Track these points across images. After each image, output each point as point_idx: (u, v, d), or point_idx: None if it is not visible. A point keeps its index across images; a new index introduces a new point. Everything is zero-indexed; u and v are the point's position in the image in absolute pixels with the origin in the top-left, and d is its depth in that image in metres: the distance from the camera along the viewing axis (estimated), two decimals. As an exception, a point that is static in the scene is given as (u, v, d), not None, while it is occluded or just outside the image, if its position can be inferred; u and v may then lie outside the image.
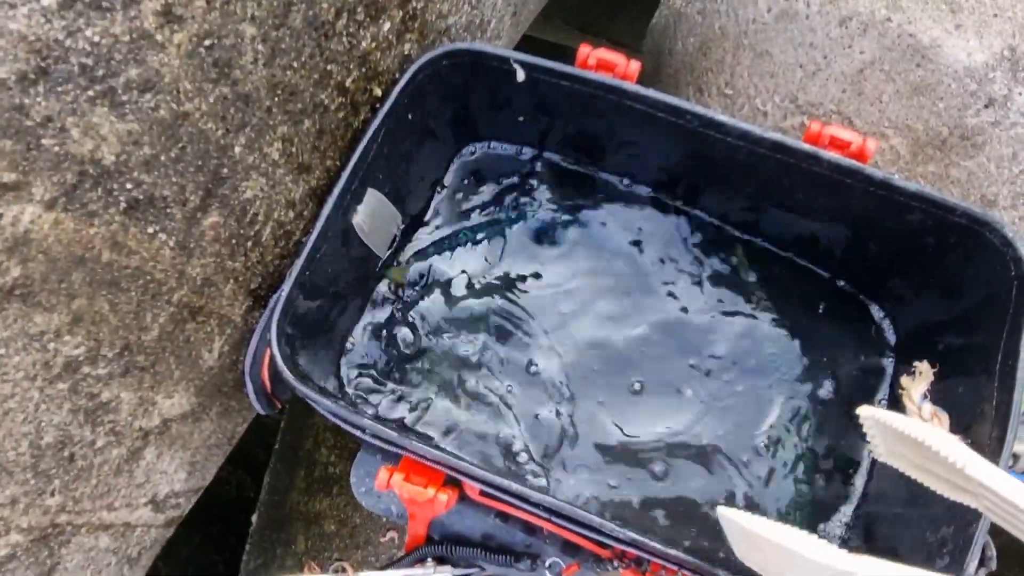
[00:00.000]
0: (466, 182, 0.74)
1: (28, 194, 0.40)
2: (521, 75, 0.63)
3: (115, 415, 0.50)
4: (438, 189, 0.73)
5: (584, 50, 0.62)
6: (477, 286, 0.71)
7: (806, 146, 0.58)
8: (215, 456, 0.67)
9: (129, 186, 0.44)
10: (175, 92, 0.45)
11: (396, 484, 0.52)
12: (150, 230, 0.47)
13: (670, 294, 0.70)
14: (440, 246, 0.72)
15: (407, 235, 0.70)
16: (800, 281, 0.71)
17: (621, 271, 0.71)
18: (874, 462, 0.63)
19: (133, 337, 0.49)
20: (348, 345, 0.67)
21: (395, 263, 0.70)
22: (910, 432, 0.41)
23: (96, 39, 0.40)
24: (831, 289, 0.70)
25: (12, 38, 0.38)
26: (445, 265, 0.72)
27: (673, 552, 0.48)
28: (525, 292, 0.71)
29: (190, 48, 0.45)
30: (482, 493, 0.56)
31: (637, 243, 0.72)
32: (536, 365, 0.67)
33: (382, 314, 0.69)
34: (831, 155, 0.57)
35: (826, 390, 0.67)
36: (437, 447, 0.53)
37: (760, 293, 0.71)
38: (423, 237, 0.72)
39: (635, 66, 0.61)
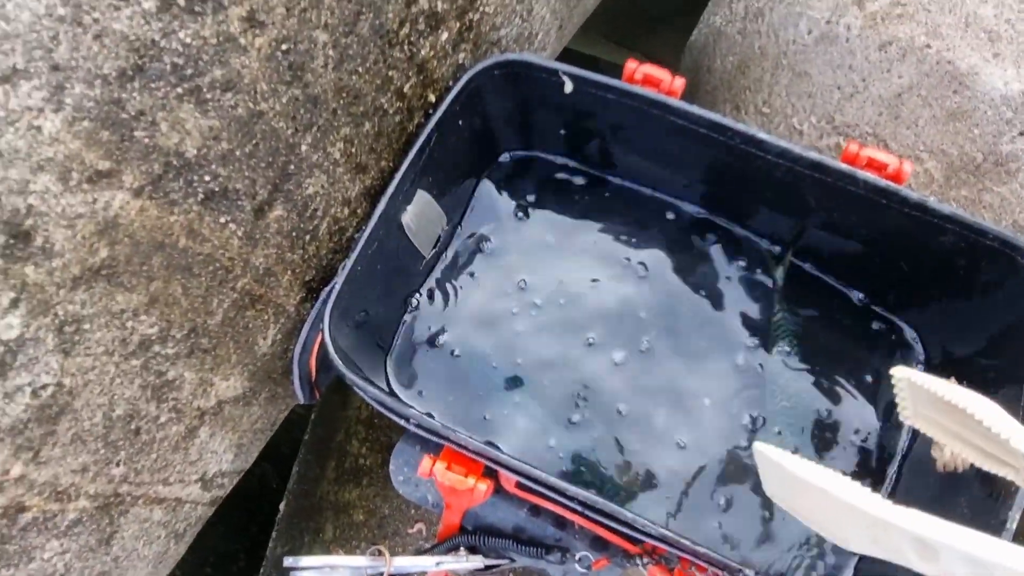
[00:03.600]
0: (506, 187, 0.77)
1: (119, 181, 0.43)
2: (569, 87, 0.65)
3: (178, 393, 0.53)
4: (480, 192, 0.75)
5: (631, 65, 0.65)
6: (512, 290, 0.73)
7: (843, 166, 0.60)
8: (258, 440, 0.69)
9: (207, 178, 0.47)
10: (253, 92, 0.48)
11: (438, 472, 0.55)
12: (222, 220, 0.50)
13: (702, 307, 0.72)
14: (478, 249, 0.75)
15: (449, 236, 0.73)
16: (830, 299, 0.73)
17: (653, 283, 0.73)
18: (900, 471, 0.64)
19: (200, 320, 0.52)
20: (392, 339, 0.70)
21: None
22: (951, 398, 0.41)
23: (187, 40, 0.43)
24: (860, 308, 0.72)
25: (115, 37, 0.41)
26: (482, 268, 0.74)
27: (703, 549, 0.50)
28: (560, 297, 0.73)
29: (269, 52, 0.48)
30: (518, 485, 0.58)
31: (669, 255, 0.74)
32: (574, 370, 0.70)
33: (423, 312, 0.71)
34: (868, 175, 0.59)
35: (854, 409, 0.69)
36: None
37: (790, 310, 0.73)
38: (462, 238, 0.75)
39: (680, 82, 0.64)
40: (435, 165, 0.65)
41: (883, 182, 0.59)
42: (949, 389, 0.42)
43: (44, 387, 0.44)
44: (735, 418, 0.68)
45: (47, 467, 0.46)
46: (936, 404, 0.43)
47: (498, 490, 0.60)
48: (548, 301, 0.72)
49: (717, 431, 0.67)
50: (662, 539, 0.51)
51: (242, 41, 0.46)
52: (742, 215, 0.73)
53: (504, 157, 0.77)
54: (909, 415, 0.45)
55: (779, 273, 0.74)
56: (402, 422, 0.57)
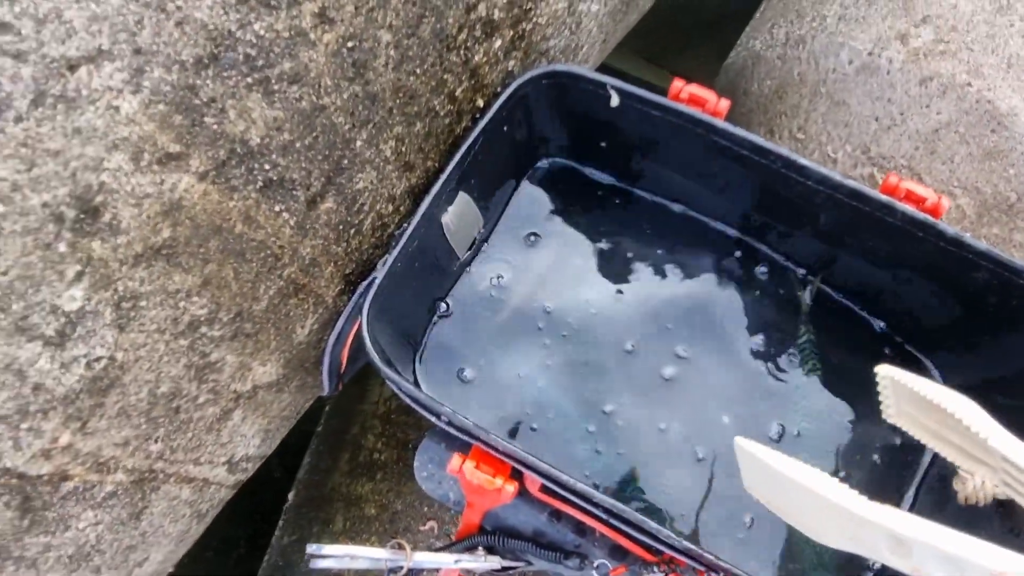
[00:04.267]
0: (542, 195, 0.78)
1: (187, 165, 0.44)
2: (616, 100, 0.66)
3: (218, 375, 0.54)
4: (517, 197, 0.77)
5: (678, 84, 0.66)
6: (543, 296, 0.74)
7: (883, 196, 0.61)
8: (283, 428, 0.70)
9: (267, 167, 0.49)
10: (317, 86, 0.49)
11: (467, 470, 0.55)
12: (277, 208, 0.51)
13: (727, 324, 0.73)
14: (511, 253, 0.76)
15: (484, 238, 0.74)
16: (853, 326, 0.73)
17: (681, 298, 0.74)
18: (917, 496, 0.65)
19: (246, 305, 0.53)
20: (422, 336, 0.71)
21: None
22: (932, 397, 0.42)
23: (261, 32, 0.45)
24: (881, 336, 0.73)
25: (195, 25, 0.42)
26: (511, 272, 0.75)
27: (726, 564, 0.51)
28: (590, 307, 0.74)
29: (335, 48, 0.49)
30: (542, 489, 0.59)
31: (699, 271, 0.75)
32: (597, 378, 0.71)
33: (454, 311, 0.72)
34: (906, 207, 0.60)
35: (872, 432, 0.70)
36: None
37: (814, 334, 0.74)
38: (496, 243, 0.75)
39: (725, 104, 0.65)
40: (478, 168, 0.66)
41: (921, 215, 0.60)
42: (931, 388, 0.43)
43: (98, 360, 0.45)
44: (757, 436, 0.68)
45: (92, 438, 0.47)
46: (918, 403, 0.43)
47: (521, 493, 0.60)
48: (573, 309, 0.73)
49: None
50: (685, 552, 0.52)
51: (312, 36, 0.47)
52: (775, 237, 0.74)
53: (543, 164, 0.78)
54: (892, 413, 0.46)
55: (806, 296, 0.75)
56: (433, 419, 0.57)
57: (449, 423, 0.57)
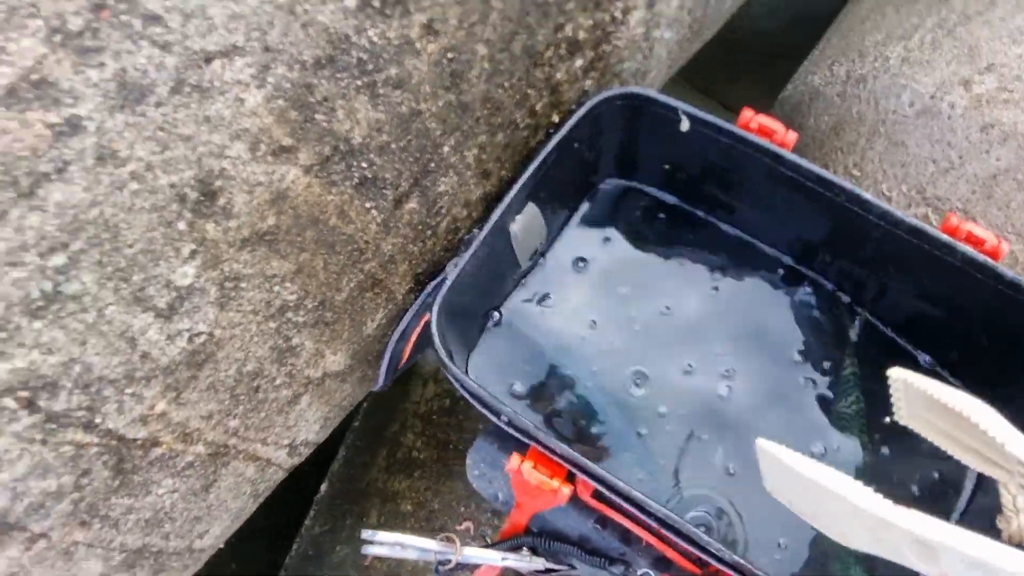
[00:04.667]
0: (601, 213, 0.80)
1: (296, 158, 0.47)
2: (686, 125, 0.69)
3: (296, 360, 0.57)
4: (579, 212, 0.79)
5: (747, 114, 0.68)
6: (591, 313, 0.76)
7: (944, 236, 0.62)
8: (339, 417, 0.73)
9: (364, 165, 0.51)
10: (417, 92, 0.52)
11: (525, 470, 0.57)
12: (367, 205, 0.53)
13: (776, 352, 0.75)
14: (564, 270, 0.78)
15: (545, 248, 0.76)
16: (898, 361, 0.74)
17: (732, 320, 0.76)
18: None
19: (329, 295, 0.55)
20: (477, 338, 0.73)
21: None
22: (946, 400, 0.41)
23: (374, 39, 0.48)
24: (930, 373, 0.74)
25: (317, 28, 0.45)
26: (563, 288, 0.77)
27: (773, 580, 0.52)
28: (634, 324, 0.75)
29: (437, 58, 0.52)
30: (594, 494, 0.61)
31: (751, 296, 0.76)
32: (646, 396, 0.72)
33: (510, 318, 0.75)
34: (967, 248, 0.61)
35: (912, 463, 0.71)
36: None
37: (859, 366, 0.75)
38: (552, 257, 0.78)
39: (792, 136, 0.67)
40: (547, 182, 0.69)
41: (981, 257, 0.61)
42: (945, 391, 0.42)
43: (199, 334, 0.47)
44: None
45: (184, 409, 0.49)
46: (932, 406, 0.43)
47: (572, 497, 0.62)
48: (623, 326, 0.75)
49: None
50: (733, 566, 0.53)
51: (418, 45, 0.50)
52: (828, 267, 0.75)
53: (606, 184, 0.81)
54: (904, 416, 0.46)
55: (855, 328, 0.76)
56: (494, 418, 0.59)
57: (509, 423, 0.59)
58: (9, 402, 0.40)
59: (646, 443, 0.70)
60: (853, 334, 0.76)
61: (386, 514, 0.94)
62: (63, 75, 0.37)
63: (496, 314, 0.75)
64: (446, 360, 0.59)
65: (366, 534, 0.61)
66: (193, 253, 0.45)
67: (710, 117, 0.67)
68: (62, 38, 0.37)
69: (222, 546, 0.71)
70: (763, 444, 0.46)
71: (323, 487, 1.08)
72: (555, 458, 0.58)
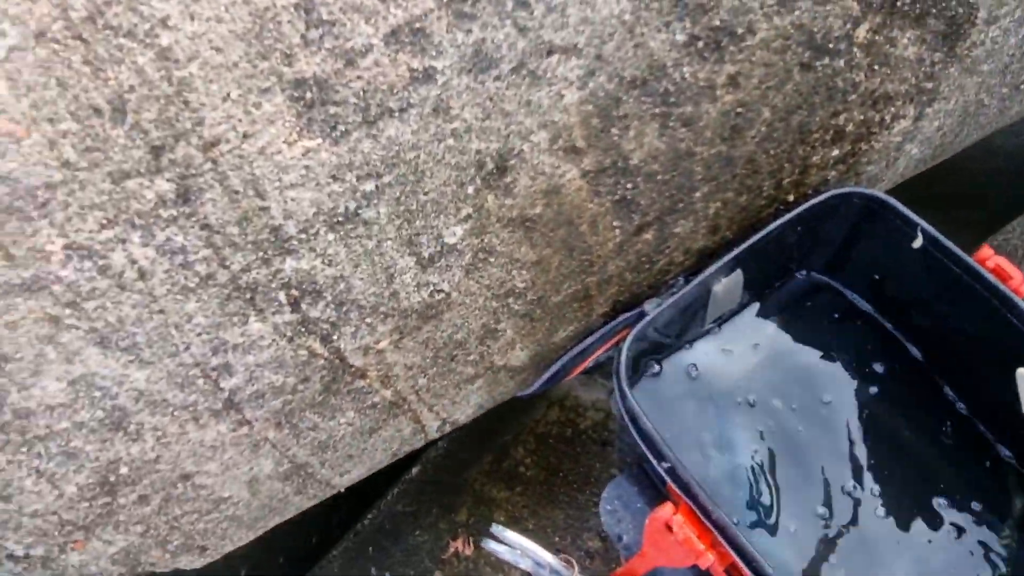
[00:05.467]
0: (788, 298, 0.79)
1: (580, 160, 0.50)
2: (919, 243, 0.67)
3: (492, 343, 0.59)
4: (769, 294, 0.78)
5: (987, 252, 0.66)
6: (747, 391, 0.75)
7: None
8: (487, 407, 0.74)
9: (629, 185, 0.53)
10: (699, 135, 0.53)
11: (676, 523, 0.57)
12: (615, 223, 0.55)
13: (928, 497, 0.71)
14: (736, 343, 0.77)
15: (731, 315, 0.76)
16: None
17: (884, 433, 0.73)
18: None
19: (547, 294, 0.57)
20: (639, 376, 0.73)
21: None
22: None
23: (686, 75, 0.50)
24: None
25: (645, 51, 0.48)
26: (734, 363, 0.76)
27: None
28: (802, 419, 0.74)
29: (728, 108, 0.53)
30: (728, 570, 0.59)
31: (912, 418, 0.74)
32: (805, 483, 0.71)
33: (668, 375, 0.75)
34: None
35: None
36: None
37: (1015, 544, 0.71)
38: (727, 328, 0.77)
39: (1030, 287, 0.64)
40: (761, 254, 0.69)
41: None
42: None
43: (439, 291, 0.50)
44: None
45: (397, 353, 0.52)
46: None
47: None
48: (776, 412, 0.74)
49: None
50: None
51: (718, 92, 0.52)
52: (1003, 429, 0.72)
53: (801, 273, 0.80)
54: None
55: (1020, 498, 0.72)
56: (655, 461, 0.59)
57: (670, 470, 0.58)
58: (282, 295, 0.44)
59: (779, 537, 0.68)
60: (1020, 504, 0.72)
61: (477, 516, 0.95)
62: (438, 30, 0.41)
63: (656, 365, 0.76)
64: (626, 388, 0.60)
65: (496, 529, 0.62)
66: (467, 217, 0.48)
67: (948, 243, 0.66)
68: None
69: (343, 492, 0.74)
70: None
71: (414, 469, 1.10)
72: (707, 522, 0.57)
